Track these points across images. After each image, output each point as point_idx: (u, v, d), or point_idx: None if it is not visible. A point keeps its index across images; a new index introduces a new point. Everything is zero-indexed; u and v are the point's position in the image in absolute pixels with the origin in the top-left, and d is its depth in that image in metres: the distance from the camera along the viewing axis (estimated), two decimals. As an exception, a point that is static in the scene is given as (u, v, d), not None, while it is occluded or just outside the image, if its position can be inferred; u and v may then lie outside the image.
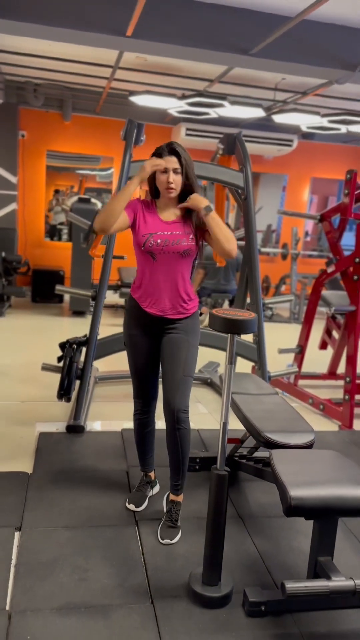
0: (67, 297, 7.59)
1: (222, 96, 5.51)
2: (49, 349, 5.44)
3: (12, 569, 2.17)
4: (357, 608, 2.06)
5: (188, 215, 2.36)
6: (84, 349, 3.53)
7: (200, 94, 5.46)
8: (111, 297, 6.91)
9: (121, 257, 6.12)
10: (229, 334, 1.89)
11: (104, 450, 3.22)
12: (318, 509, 1.89)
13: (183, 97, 5.67)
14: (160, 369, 2.46)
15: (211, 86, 5.72)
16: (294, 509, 1.86)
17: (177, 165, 2.27)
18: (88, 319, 6.96)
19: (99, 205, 7.47)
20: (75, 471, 2.95)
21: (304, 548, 2.42)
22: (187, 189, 2.33)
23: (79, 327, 6.49)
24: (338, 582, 1.90)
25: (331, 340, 4.90)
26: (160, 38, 3.88)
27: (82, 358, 3.54)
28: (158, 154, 2.31)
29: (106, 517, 2.55)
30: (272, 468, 2.06)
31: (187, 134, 7.36)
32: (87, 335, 3.47)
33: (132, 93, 5.77)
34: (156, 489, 2.75)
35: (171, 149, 2.29)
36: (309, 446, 2.36)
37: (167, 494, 2.57)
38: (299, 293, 7.92)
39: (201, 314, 6.80)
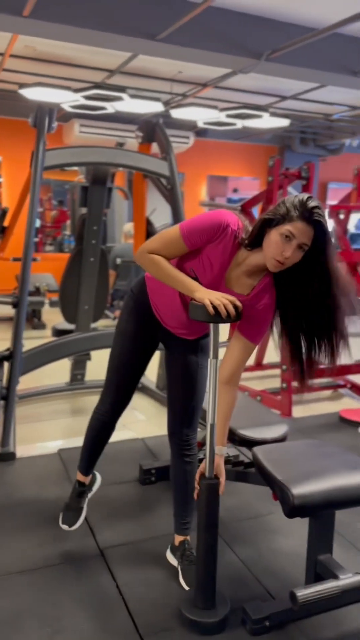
0: None
1: (121, 88, 5.28)
2: None
3: (-34, 637, 1.77)
4: (357, 603, 1.95)
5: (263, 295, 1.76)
6: (6, 365, 3.12)
7: (98, 85, 5.18)
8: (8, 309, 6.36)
9: (33, 260, 5.63)
10: (212, 323, 1.67)
11: (43, 476, 2.84)
12: (321, 505, 1.74)
13: (79, 90, 5.35)
14: (167, 391, 2.10)
15: (109, 78, 5.48)
16: (297, 508, 1.69)
17: (307, 242, 1.61)
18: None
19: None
20: (15, 505, 2.56)
21: (285, 548, 2.29)
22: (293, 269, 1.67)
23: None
24: (347, 579, 1.77)
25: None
26: (62, 19, 3.56)
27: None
28: (287, 212, 1.60)
29: (65, 552, 2.21)
30: (261, 467, 1.88)
31: (81, 132, 7.03)
32: (10, 349, 3.07)
33: (22, 86, 5.33)
34: (97, 485, 2.37)
35: (312, 218, 1.58)
36: (284, 438, 2.22)
37: (170, 546, 2.17)
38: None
39: (114, 318, 6.50)
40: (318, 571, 1.88)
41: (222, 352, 1.77)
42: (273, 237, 1.61)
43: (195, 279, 1.75)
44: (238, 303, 1.62)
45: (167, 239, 1.73)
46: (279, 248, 1.60)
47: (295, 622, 1.86)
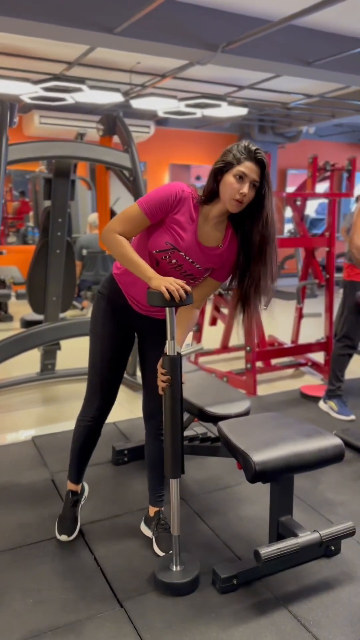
0: None
1: (80, 79, 5.31)
2: None
3: None
4: (317, 559, 2.13)
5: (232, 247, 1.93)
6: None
7: (56, 77, 5.20)
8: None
9: (0, 253, 5.65)
10: (167, 308, 1.79)
11: (19, 462, 2.94)
12: (280, 470, 1.90)
13: (37, 82, 5.35)
14: (140, 374, 2.20)
15: (68, 69, 5.49)
16: (259, 474, 1.85)
17: (257, 178, 1.79)
18: None
19: None
20: (-7, 490, 2.65)
21: (251, 515, 2.45)
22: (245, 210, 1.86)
23: None
24: (305, 537, 1.94)
25: (220, 316, 5.03)
26: (19, 14, 3.58)
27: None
28: (235, 157, 1.79)
29: (44, 530, 2.32)
30: (226, 439, 2.03)
31: (41, 123, 7.00)
32: (-19, 340, 3.13)
33: (-20, 78, 5.29)
34: (86, 491, 2.49)
35: (257, 157, 1.78)
36: (247, 413, 2.38)
37: (144, 518, 2.32)
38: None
39: (82, 308, 6.57)
40: (280, 531, 2.06)
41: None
42: (228, 180, 1.80)
43: (174, 249, 1.89)
44: (187, 287, 1.76)
45: (130, 216, 1.88)
46: (235, 188, 1.78)
47: (261, 580, 2.02)
